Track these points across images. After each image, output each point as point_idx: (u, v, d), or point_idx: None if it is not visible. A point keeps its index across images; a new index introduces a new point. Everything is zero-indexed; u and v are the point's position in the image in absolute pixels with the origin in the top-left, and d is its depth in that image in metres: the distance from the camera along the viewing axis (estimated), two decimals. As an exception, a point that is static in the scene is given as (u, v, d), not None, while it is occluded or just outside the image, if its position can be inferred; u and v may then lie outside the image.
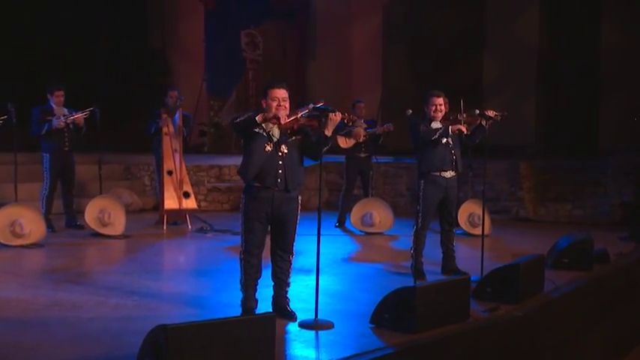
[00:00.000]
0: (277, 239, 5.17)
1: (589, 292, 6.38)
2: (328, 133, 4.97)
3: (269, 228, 5.13)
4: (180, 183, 9.07)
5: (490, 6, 15.00)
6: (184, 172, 9.24)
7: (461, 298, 5.08)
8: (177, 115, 9.22)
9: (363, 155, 9.46)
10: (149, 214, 10.24)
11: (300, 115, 4.93)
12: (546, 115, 14.61)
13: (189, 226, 9.12)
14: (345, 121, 5.13)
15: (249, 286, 5.12)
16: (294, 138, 5.03)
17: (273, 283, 5.22)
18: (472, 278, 5.62)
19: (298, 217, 5.17)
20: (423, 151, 6.47)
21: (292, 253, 5.22)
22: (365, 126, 9.42)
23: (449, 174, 6.56)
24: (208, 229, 9.07)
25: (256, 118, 4.88)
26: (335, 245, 8.17)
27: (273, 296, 5.22)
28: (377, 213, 9.20)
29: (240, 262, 5.12)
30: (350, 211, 9.40)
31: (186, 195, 9.13)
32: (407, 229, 9.28)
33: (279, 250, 5.17)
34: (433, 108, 6.50)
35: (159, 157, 9.35)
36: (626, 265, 7.45)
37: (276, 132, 5.00)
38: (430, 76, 14.24)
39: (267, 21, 15.21)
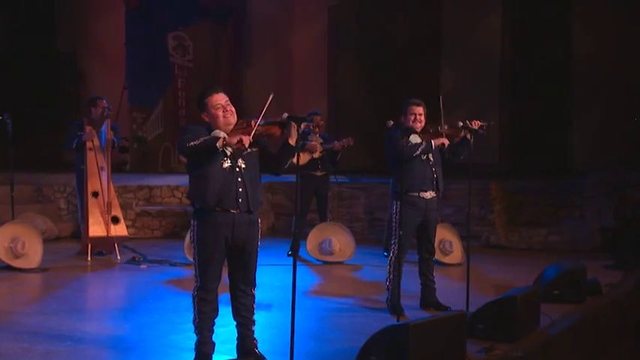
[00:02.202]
0: (238, 271, 5.02)
1: (587, 328, 6.41)
2: (292, 141, 4.83)
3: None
4: (108, 206, 8.70)
5: (447, 9, 15.11)
6: (113, 193, 8.88)
7: (456, 337, 5.01)
8: (104, 128, 8.88)
9: (319, 174, 9.32)
10: (67, 243, 9.90)
11: (255, 123, 4.75)
12: (512, 131, 14.70)
13: (119, 257, 8.81)
14: (312, 127, 4.99)
15: (204, 327, 4.94)
16: (250, 150, 4.85)
17: (235, 323, 5.08)
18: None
19: (259, 244, 5.03)
20: (400, 169, 6.38)
21: (255, 286, 5.10)
22: (321, 140, 9.29)
23: (429, 194, 6.52)
24: (141, 259, 8.78)
25: (216, 145, 4.62)
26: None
27: (237, 338, 5.08)
28: (336, 239, 9.07)
29: (194, 299, 4.94)
30: (305, 237, 9.25)
31: (115, 220, 8.78)
32: (369, 257, 9.27)
33: (242, 284, 5.04)
34: (412, 117, 6.46)
35: (80, 177, 9.01)
36: (618, 297, 7.52)
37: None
38: (382, 86, 14.28)
39: (197, 22, 14.96)
